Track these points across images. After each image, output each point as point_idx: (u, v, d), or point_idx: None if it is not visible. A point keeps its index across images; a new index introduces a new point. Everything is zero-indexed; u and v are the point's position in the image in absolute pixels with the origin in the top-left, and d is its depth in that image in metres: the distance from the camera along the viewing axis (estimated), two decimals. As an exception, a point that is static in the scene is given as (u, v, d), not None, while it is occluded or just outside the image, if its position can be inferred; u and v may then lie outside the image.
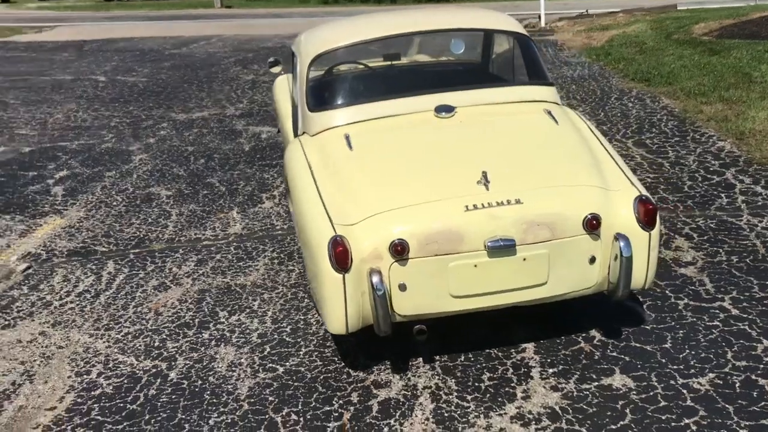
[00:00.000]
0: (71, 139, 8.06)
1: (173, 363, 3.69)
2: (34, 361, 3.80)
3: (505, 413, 3.10)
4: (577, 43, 12.45)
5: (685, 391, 3.16)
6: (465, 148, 3.58)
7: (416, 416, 3.13)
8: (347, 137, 3.71)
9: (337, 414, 3.18)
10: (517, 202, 3.20)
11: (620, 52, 10.88)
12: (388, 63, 4.44)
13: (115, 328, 4.08)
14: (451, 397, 3.24)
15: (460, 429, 3.04)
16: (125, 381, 3.57)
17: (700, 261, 4.31)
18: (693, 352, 3.44)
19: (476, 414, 3.11)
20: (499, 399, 3.20)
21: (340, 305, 3.14)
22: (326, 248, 3.11)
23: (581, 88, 8.90)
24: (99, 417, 3.30)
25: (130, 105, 9.57)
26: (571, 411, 3.09)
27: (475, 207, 3.17)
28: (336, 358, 3.61)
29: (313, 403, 3.27)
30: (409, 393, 3.29)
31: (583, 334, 3.65)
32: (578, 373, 3.35)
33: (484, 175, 3.27)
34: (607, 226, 3.25)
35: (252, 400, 3.33)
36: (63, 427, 3.25)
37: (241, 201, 5.90)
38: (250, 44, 14.76)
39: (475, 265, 3.15)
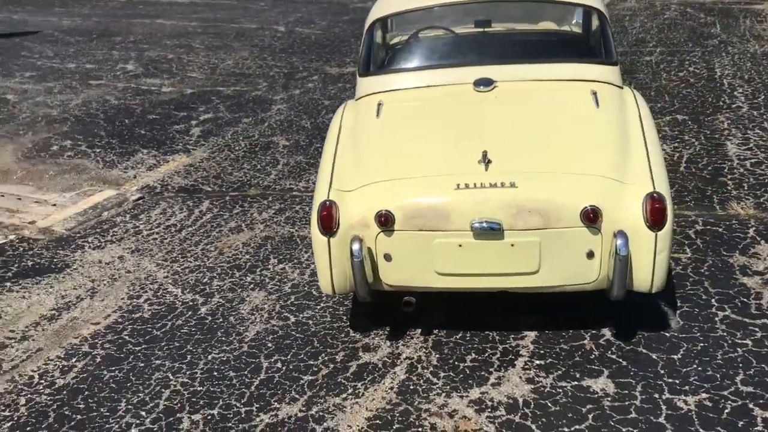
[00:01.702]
0: (229, 85, 8.73)
1: (209, 299, 4.03)
2: (103, 280, 4.33)
3: (466, 396, 3.09)
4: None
5: (663, 407, 2.94)
6: (485, 124, 3.50)
7: (383, 384, 3.21)
8: (379, 105, 3.76)
9: (316, 368, 3.35)
10: (512, 185, 3.10)
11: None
12: (447, 32, 4.37)
13: (180, 261, 4.51)
14: (425, 371, 3.27)
15: (416, 403, 3.07)
16: (163, 309, 3.97)
17: (773, 273, 3.88)
18: (699, 369, 3.16)
19: (439, 392, 3.12)
20: (470, 381, 3.18)
21: (326, 267, 3.26)
22: (316, 211, 3.23)
23: (758, 67, 8.03)
24: (126, 337, 3.73)
25: (294, 56, 10.11)
26: (532, 405, 3.00)
27: (467, 186, 3.12)
28: (344, 317, 3.75)
29: (302, 355, 3.46)
30: (390, 361, 3.36)
31: (593, 331, 3.47)
32: (563, 369, 3.22)
33: (485, 154, 3.19)
34: (609, 221, 3.06)
35: (253, 344, 3.58)
36: (96, 340, 3.71)
37: (343, 157, 6.13)
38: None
39: (460, 245, 3.12)
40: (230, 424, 3.04)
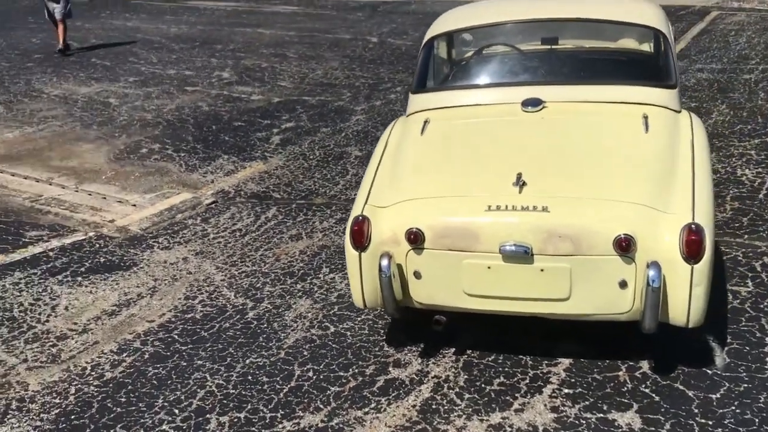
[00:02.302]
0: (315, 95, 8.94)
1: (258, 304, 4.17)
2: (165, 279, 4.55)
3: (487, 420, 3.06)
4: None
5: (689, 448, 2.82)
6: (526, 145, 3.46)
7: (407, 401, 3.22)
8: (426, 122, 3.79)
9: (345, 380, 3.40)
10: (544, 209, 3.05)
11: None
12: (511, 49, 4.33)
13: (238, 264, 4.68)
14: (450, 392, 3.26)
15: (435, 423, 3.07)
16: (214, 311, 4.13)
17: (841, 313, 3.64)
18: (738, 411, 3.01)
19: (460, 414, 3.11)
20: (492, 405, 3.15)
21: (357, 281, 3.32)
22: (349, 226, 3.29)
23: None
24: (176, 335, 3.91)
25: (382, 67, 10.25)
26: (551, 435, 2.95)
27: (498, 208, 3.10)
28: (382, 331, 3.79)
29: (333, 366, 3.52)
30: (417, 378, 3.38)
31: (631, 362, 3.36)
32: (591, 400, 3.13)
33: (519, 176, 3.15)
34: (643, 250, 2.96)
35: (290, 351, 3.68)
36: (147, 338, 3.91)
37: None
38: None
39: (489, 267, 3.10)
40: (254, 429, 3.14)
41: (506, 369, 3.39)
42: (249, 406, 3.28)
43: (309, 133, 7.43)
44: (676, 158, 3.32)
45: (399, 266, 3.23)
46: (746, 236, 4.56)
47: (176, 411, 3.29)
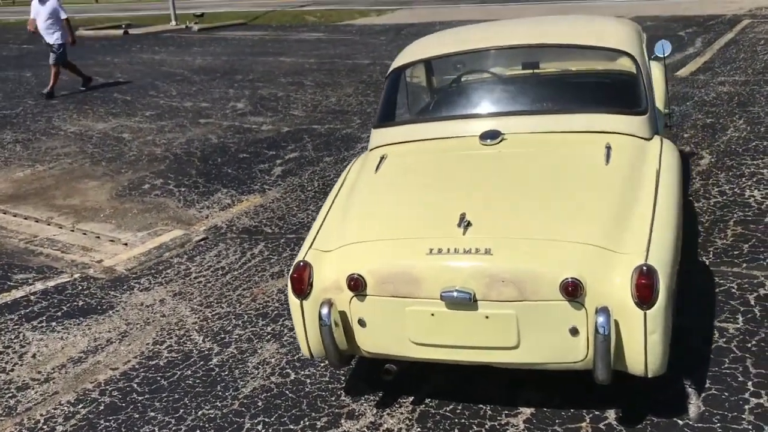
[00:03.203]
0: (325, 123, 8.87)
1: (224, 349, 4.04)
2: (137, 323, 4.46)
3: (431, 479, 2.85)
4: None
5: None
6: (478, 182, 3.27)
7: (352, 457, 3.04)
8: (382, 158, 3.63)
9: (294, 434, 3.24)
10: (487, 252, 2.86)
11: None
12: (483, 77, 4.14)
13: (213, 306, 4.57)
14: (400, 446, 3.07)
15: (376, 482, 2.89)
16: (179, 357, 4.02)
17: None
18: (704, 468, 2.74)
19: (404, 471, 2.92)
20: (441, 462, 2.94)
21: (301, 330, 3.16)
22: (291, 272, 3.15)
23: None
24: (135, 384, 3.80)
25: (396, 91, 10.12)
26: (497, 496, 2.72)
27: (440, 251, 2.91)
28: (342, 378, 3.62)
29: (285, 418, 3.36)
30: (367, 431, 3.19)
31: (597, 412, 3.12)
32: (548, 455, 2.90)
33: (462, 216, 2.96)
34: (593, 295, 2.74)
35: (245, 402, 3.53)
36: (107, 387, 3.81)
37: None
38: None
39: (433, 314, 2.91)
40: (191, 489, 3.00)
41: (463, 420, 3.18)
42: (191, 463, 3.15)
43: (311, 162, 7.34)
44: (636, 192, 3.09)
45: (343, 313, 3.07)
46: (744, 265, 4.25)
47: (119, 468, 3.18)
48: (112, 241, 5.90)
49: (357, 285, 2.99)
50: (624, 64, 3.74)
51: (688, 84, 8.80)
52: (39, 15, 11.45)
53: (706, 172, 5.84)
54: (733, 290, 3.98)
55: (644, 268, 2.70)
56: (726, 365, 3.35)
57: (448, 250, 2.91)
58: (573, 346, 2.82)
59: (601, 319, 2.68)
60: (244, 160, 7.64)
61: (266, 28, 19.54)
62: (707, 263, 4.33)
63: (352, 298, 3.04)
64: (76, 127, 9.76)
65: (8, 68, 15.24)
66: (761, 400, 3.08)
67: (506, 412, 3.20)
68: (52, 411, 3.66)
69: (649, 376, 2.80)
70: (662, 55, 4.55)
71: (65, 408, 3.67)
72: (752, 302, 3.85)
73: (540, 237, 2.90)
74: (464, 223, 2.96)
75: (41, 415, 3.63)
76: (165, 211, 6.43)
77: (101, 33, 20.32)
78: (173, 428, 3.40)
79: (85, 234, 6.08)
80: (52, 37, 11.41)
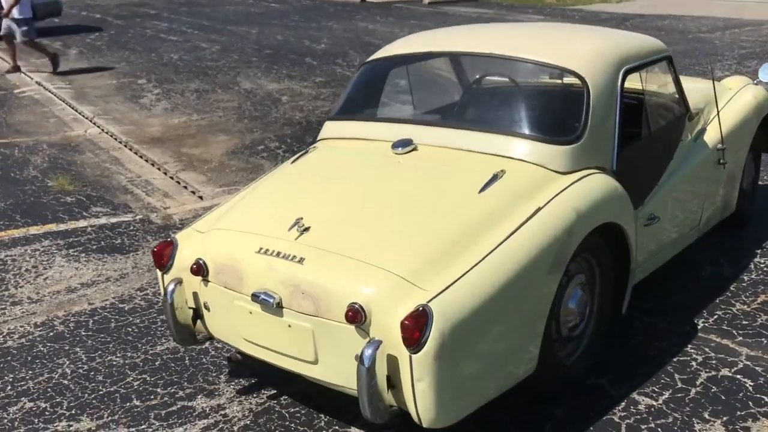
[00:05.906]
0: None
1: (182, 308, 4.29)
2: (141, 269, 4.87)
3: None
4: None
5: None
6: (348, 189, 3.15)
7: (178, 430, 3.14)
8: (307, 151, 3.59)
9: (154, 396, 3.40)
10: (300, 261, 2.77)
11: None
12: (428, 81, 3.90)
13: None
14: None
15: (168, 460, 2.96)
16: (143, 305, 4.36)
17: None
18: None
19: (197, 457, 2.95)
20: (234, 458, 2.93)
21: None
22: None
23: None
24: (91, 323, 4.20)
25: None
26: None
27: (266, 252, 2.87)
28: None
29: (163, 379, 3.53)
30: (210, 411, 3.25)
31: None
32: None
33: (298, 221, 2.88)
34: (376, 326, 2.55)
35: (137, 359, 3.76)
36: (70, 318, 4.25)
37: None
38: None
39: (251, 312, 2.90)
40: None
41: (293, 427, 3.12)
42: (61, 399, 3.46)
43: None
44: (488, 229, 2.75)
45: (195, 294, 3.15)
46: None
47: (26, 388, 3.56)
48: (193, 192, 6.42)
49: (199, 270, 3.06)
50: (573, 86, 3.27)
51: None
52: None
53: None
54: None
55: (420, 308, 2.44)
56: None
57: (273, 251, 2.86)
58: (360, 375, 2.64)
59: (368, 351, 2.49)
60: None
61: (493, 6, 19.33)
62: None
63: (201, 281, 3.11)
64: (252, 84, 10.56)
65: (242, 24, 16.80)
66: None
67: (336, 428, 3.08)
68: (19, 328, 4.17)
69: (424, 425, 2.55)
70: (766, 80, 3.95)
71: (28, 328, 4.17)
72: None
73: (354, 256, 2.73)
74: (300, 228, 2.88)
75: (8, 329, 4.17)
76: (256, 172, 6.81)
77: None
78: (80, 366, 3.73)
79: (178, 182, 6.68)
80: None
